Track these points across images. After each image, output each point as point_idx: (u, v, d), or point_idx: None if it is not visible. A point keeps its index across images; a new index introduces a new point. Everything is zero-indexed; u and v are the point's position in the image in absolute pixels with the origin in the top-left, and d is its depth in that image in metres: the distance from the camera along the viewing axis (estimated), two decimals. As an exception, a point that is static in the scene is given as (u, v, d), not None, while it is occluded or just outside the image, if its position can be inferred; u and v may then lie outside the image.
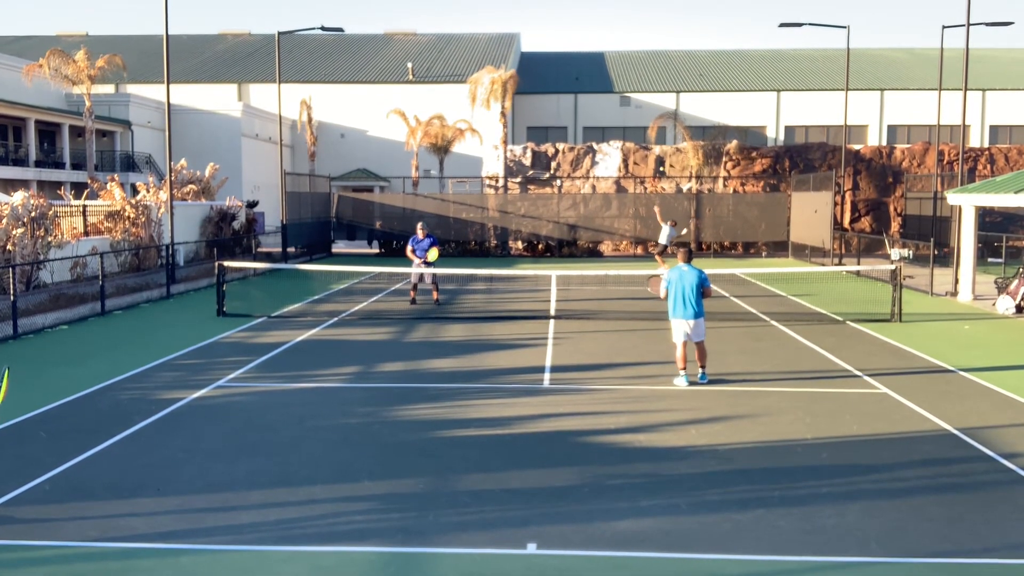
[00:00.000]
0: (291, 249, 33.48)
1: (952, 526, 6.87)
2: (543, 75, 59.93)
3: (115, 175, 33.15)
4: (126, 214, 27.48)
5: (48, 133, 44.65)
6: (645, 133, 43.27)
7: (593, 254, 37.82)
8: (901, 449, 8.97)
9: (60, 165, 43.67)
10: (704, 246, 37.51)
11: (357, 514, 7.13)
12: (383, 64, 57.97)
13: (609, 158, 40.66)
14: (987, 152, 40.60)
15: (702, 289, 11.79)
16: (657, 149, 40.89)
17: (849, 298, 21.04)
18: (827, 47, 64.28)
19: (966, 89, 24.69)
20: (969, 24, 24.23)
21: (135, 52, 57.10)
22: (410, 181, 45.85)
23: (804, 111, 56.26)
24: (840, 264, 30.24)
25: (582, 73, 60.45)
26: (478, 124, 46.13)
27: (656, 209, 31.17)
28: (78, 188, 39.73)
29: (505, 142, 41.99)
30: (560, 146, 41.26)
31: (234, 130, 48.19)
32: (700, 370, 12.02)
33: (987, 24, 30.06)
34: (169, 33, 25.89)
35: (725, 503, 7.34)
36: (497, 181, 40.13)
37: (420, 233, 20.18)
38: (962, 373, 12.67)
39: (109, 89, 49.42)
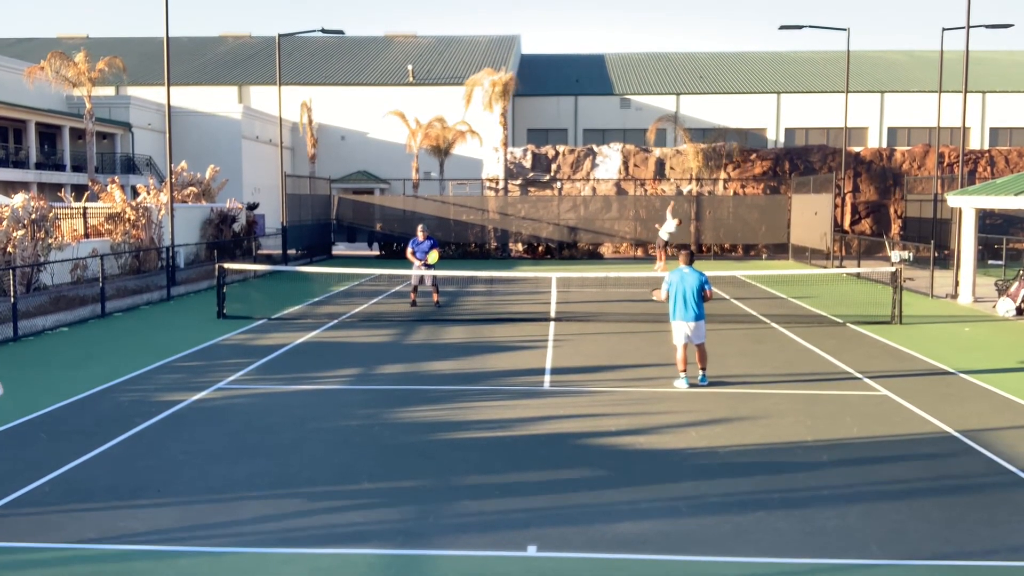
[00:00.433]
0: (291, 251, 33.49)
1: (952, 528, 6.87)
2: (543, 77, 59.96)
3: (115, 177, 33.15)
4: (126, 216, 27.47)
5: (49, 135, 44.68)
6: (645, 135, 43.27)
7: (593, 256, 37.82)
8: (901, 451, 8.97)
9: (60, 167, 43.69)
10: (704, 248, 37.50)
11: (357, 516, 7.13)
12: (383, 66, 58.00)
13: (609, 160, 40.66)
14: (987, 154, 40.60)
15: (703, 292, 11.79)
16: (657, 151, 40.91)
17: (849, 300, 21.04)
18: (827, 49, 64.33)
19: (966, 91, 24.70)
20: (969, 26, 24.24)
21: (135, 54, 57.15)
22: (410, 183, 45.85)
23: (804, 113, 56.27)
24: (840, 266, 30.23)
25: (582, 75, 60.47)
26: (478, 126, 46.15)
27: (671, 205, 31.28)
28: (78, 190, 39.77)
29: (505, 144, 41.99)
30: (560, 148, 41.27)
31: (234, 132, 48.21)
32: (700, 372, 12.01)
33: (987, 26, 30.06)
34: (169, 35, 25.91)
35: (725, 505, 7.34)
36: (497, 183, 40.13)
37: (420, 235, 20.19)
38: (962, 375, 12.67)
39: (110, 91, 49.44)
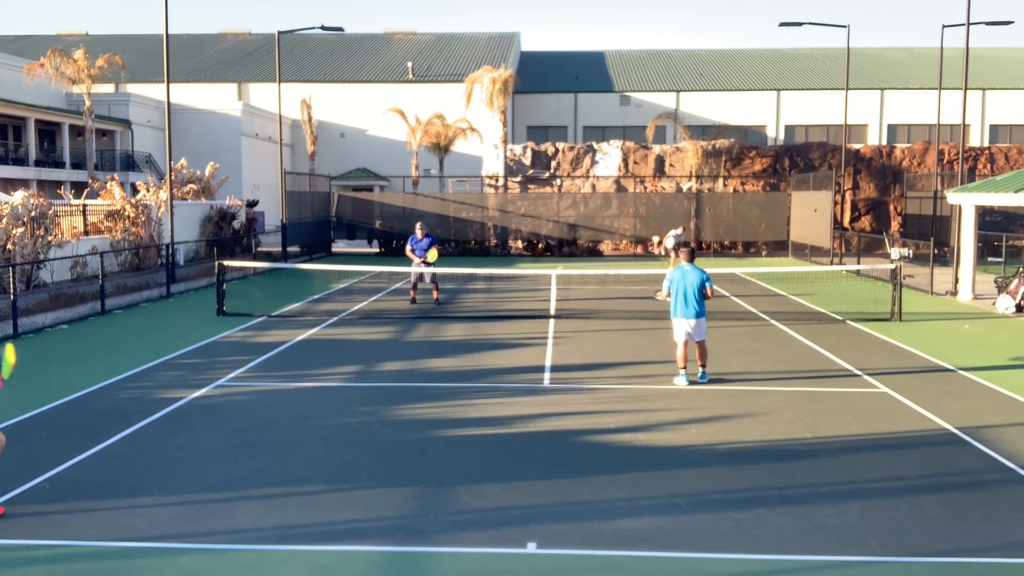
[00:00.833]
0: (291, 248, 33.48)
1: (952, 525, 6.87)
2: (543, 74, 59.91)
3: (115, 174, 33.15)
4: (126, 213, 27.47)
5: (48, 132, 44.65)
6: (645, 132, 43.25)
7: (593, 253, 37.82)
8: (901, 448, 8.97)
9: (60, 164, 43.66)
10: (704, 245, 37.50)
11: (357, 513, 7.13)
12: (383, 63, 57.96)
13: (609, 157, 40.65)
14: (987, 151, 40.60)
15: (704, 289, 11.79)
16: (657, 148, 40.88)
17: (849, 297, 21.04)
18: (827, 46, 64.26)
19: (966, 88, 24.68)
20: (969, 23, 24.22)
21: (135, 51, 57.11)
22: (410, 180, 45.84)
23: (804, 110, 56.23)
24: (840, 263, 30.23)
25: (582, 72, 60.42)
26: (478, 123, 46.13)
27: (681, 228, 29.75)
28: (78, 187, 39.75)
29: (505, 141, 41.98)
30: (560, 145, 41.25)
31: (234, 129, 48.18)
32: (700, 369, 12.01)
33: (987, 23, 30.04)
34: (169, 32, 25.88)
35: (725, 502, 7.34)
36: (497, 180, 40.12)
37: (419, 233, 20.17)
38: (962, 372, 12.67)
39: (109, 88, 49.40)
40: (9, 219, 20.96)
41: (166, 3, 25.45)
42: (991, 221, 34.63)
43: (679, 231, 28.58)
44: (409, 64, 56.10)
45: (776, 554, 6.33)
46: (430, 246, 20.01)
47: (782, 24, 33.14)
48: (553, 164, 40.68)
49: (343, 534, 6.69)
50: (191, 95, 51.17)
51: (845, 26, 32.85)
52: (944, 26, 31.55)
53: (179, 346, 14.64)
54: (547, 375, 12.55)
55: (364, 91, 53.94)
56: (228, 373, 12.55)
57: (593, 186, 39.76)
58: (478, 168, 45.98)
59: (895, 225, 39.16)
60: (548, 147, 41.17)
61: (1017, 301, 18.78)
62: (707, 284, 11.82)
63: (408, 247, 20.29)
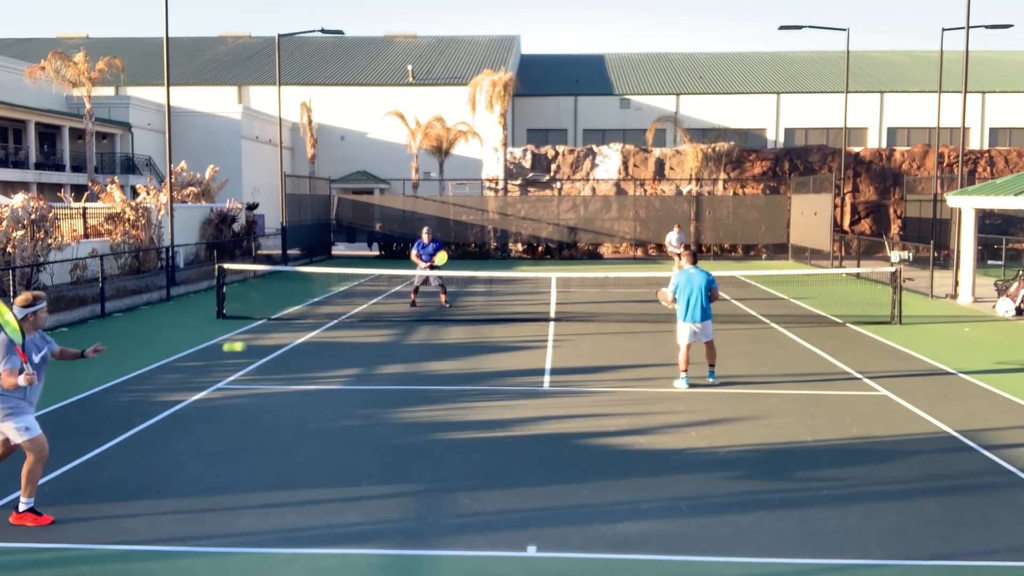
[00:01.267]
0: (291, 251, 33.48)
1: (952, 528, 6.87)
2: (543, 77, 59.96)
3: (115, 177, 33.15)
4: (126, 216, 27.48)
5: (48, 135, 44.67)
6: (645, 135, 43.28)
7: (593, 256, 37.83)
8: (901, 451, 8.97)
9: (60, 167, 43.68)
10: (704, 248, 37.50)
11: (357, 516, 7.12)
12: (383, 66, 58.00)
13: (609, 160, 40.67)
14: (987, 154, 40.62)
15: (710, 291, 11.79)
16: (657, 151, 40.91)
17: (849, 300, 21.04)
18: (827, 49, 64.33)
19: (966, 91, 24.70)
20: (969, 27, 24.25)
21: (135, 54, 57.14)
22: (410, 183, 45.85)
23: (804, 113, 56.27)
24: (840, 266, 30.23)
25: (582, 75, 60.46)
26: (478, 126, 46.15)
27: (677, 227, 29.35)
28: (78, 190, 39.76)
29: (505, 144, 42.02)
30: (560, 148, 41.28)
31: (234, 132, 48.21)
32: (710, 368, 12.04)
33: (987, 27, 30.07)
34: (169, 35, 25.89)
35: (726, 505, 7.34)
36: (497, 183, 40.14)
37: (425, 238, 20.17)
38: (962, 375, 12.67)
39: (109, 91, 49.42)
40: (9, 222, 20.96)
41: (166, 6, 25.47)
42: (991, 224, 34.65)
43: (676, 231, 28.60)
44: (409, 67, 56.14)
45: (777, 557, 6.32)
46: (436, 251, 20.00)
47: (782, 27, 33.21)
48: (553, 167, 40.70)
49: (343, 537, 6.68)
50: (191, 98, 51.19)
51: (845, 29, 32.89)
52: (944, 29, 31.61)
53: (179, 349, 14.64)
54: (547, 378, 12.54)
55: (364, 94, 53.97)
56: (228, 376, 12.55)
57: (593, 189, 39.78)
58: (478, 171, 46.03)
59: (895, 228, 39.17)
60: (548, 150, 41.20)
61: (1017, 304, 18.78)
62: (712, 285, 11.83)
63: (414, 252, 20.28)
